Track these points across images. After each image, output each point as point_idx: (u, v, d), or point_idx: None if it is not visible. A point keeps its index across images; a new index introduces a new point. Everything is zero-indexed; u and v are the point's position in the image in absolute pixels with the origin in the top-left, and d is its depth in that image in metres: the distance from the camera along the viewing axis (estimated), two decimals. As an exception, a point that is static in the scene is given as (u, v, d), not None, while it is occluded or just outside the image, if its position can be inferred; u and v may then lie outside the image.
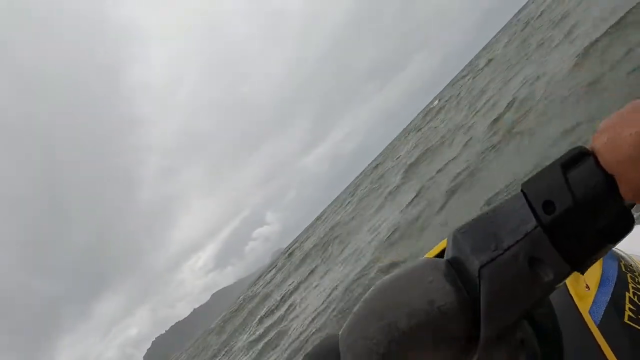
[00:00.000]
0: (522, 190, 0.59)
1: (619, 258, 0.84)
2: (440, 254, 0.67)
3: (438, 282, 0.61)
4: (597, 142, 0.58)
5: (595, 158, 0.58)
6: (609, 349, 0.65)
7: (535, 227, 0.58)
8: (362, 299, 0.64)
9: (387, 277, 0.65)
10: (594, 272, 0.79)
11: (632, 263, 0.86)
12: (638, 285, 0.77)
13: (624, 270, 0.80)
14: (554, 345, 0.67)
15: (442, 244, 0.78)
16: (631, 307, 0.71)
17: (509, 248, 0.59)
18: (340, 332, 0.64)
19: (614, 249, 0.87)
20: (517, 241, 0.58)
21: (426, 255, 0.77)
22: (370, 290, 0.64)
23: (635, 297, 0.73)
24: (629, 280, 0.78)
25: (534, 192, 0.59)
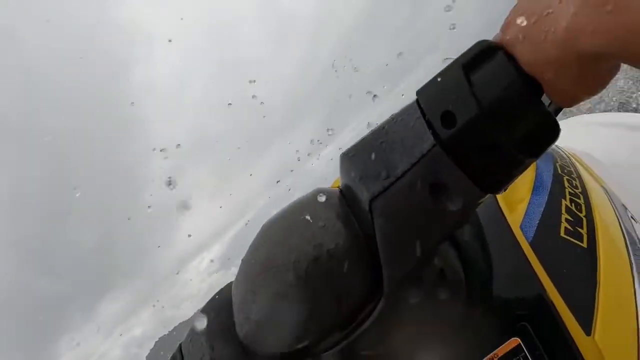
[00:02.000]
0: (416, 100, 0.46)
1: (554, 157, 0.73)
2: None
3: (326, 220, 0.51)
4: (510, 35, 0.44)
5: (507, 53, 0.44)
6: (542, 269, 0.55)
7: (433, 146, 0.45)
8: (250, 244, 0.56)
9: (276, 214, 0.57)
10: (526, 177, 0.67)
11: (570, 162, 0.75)
12: (575, 190, 0.66)
13: (560, 172, 0.69)
14: (481, 270, 0.58)
15: None
16: (568, 217, 0.61)
17: (403, 174, 0.46)
18: (233, 284, 0.57)
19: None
20: (412, 165, 0.45)
21: (332, 185, 0.66)
22: (258, 232, 0.56)
23: (572, 204, 0.62)
24: (566, 184, 0.66)
25: (431, 102, 0.45)
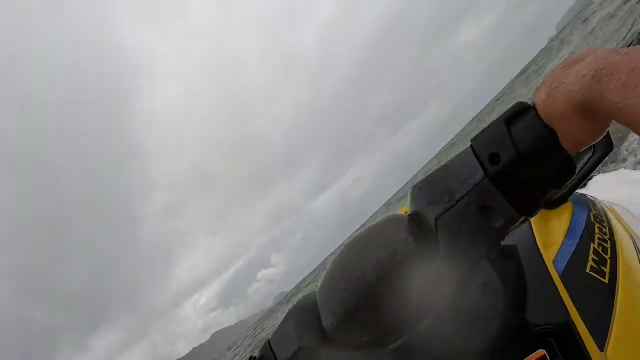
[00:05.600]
0: (471, 145, 0.64)
1: (590, 208, 0.84)
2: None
3: (400, 235, 0.66)
4: (537, 98, 0.63)
5: (536, 112, 0.63)
6: (568, 297, 0.66)
7: (483, 178, 0.63)
8: (333, 259, 0.70)
9: (354, 235, 0.70)
10: (563, 222, 0.79)
11: (604, 213, 0.85)
12: (604, 237, 0.77)
13: (592, 220, 0.80)
14: (518, 291, 0.69)
15: None
16: (594, 257, 0.71)
17: (461, 199, 0.63)
18: (317, 290, 0.70)
19: (589, 196, 0.89)
20: (468, 191, 0.63)
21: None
22: (340, 249, 0.70)
23: (600, 247, 0.74)
24: (596, 231, 0.77)
25: (481, 146, 0.63)
